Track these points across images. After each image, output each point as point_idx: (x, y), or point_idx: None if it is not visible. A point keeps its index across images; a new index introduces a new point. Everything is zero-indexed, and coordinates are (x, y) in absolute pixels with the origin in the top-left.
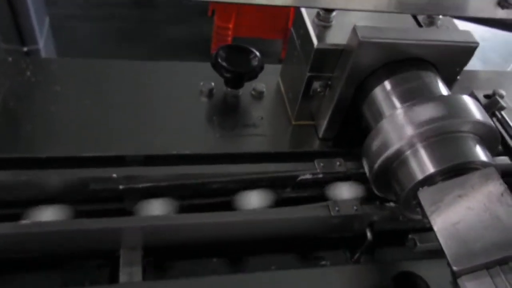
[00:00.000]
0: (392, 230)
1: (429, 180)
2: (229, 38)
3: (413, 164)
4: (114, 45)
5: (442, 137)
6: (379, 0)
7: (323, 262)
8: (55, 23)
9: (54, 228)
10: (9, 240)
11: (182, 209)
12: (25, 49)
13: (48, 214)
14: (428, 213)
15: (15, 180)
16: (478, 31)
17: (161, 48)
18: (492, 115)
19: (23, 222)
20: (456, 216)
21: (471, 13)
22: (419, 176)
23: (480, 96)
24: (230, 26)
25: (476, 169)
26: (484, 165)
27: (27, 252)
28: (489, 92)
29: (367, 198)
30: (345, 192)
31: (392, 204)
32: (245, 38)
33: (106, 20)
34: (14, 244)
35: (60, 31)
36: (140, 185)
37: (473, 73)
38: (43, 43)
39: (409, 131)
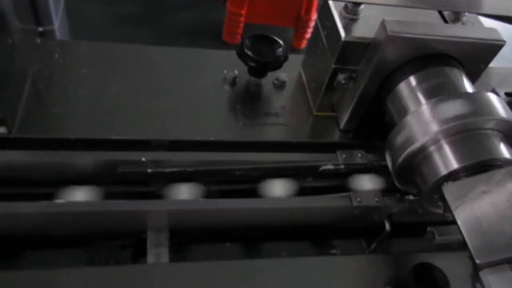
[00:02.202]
0: (409, 222)
1: (452, 176)
2: (241, 25)
3: (438, 160)
4: (126, 29)
5: (467, 133)
6: None
7: (334, 251)
8: (68, 5)
9: (87, 208)
10: (42, 218)
11: (208, 195)
12: (40, 29)
13: (79, 195)
14: (452, 208)
15: (47, 160)
16: (491, 25)
17: (173, 32)
18: None
19: (57, 201)
20: (480, 211)
21: (494, 11)
22: (443, 171)
23: (502, 94)
24: (243, 12)
25: (499, 166)
26: (508, 162)
27: (57, 230)
28: (511, 90)
29: (387, 190)
30: (366, 183)
31: (411, 197)
32: (257, 25)
33: (118, 4)
34: (47, 222)
35: (72, 13)
36: (168, 170)
37: (492, 69)
38: (58, 24)
39: (434, 127)
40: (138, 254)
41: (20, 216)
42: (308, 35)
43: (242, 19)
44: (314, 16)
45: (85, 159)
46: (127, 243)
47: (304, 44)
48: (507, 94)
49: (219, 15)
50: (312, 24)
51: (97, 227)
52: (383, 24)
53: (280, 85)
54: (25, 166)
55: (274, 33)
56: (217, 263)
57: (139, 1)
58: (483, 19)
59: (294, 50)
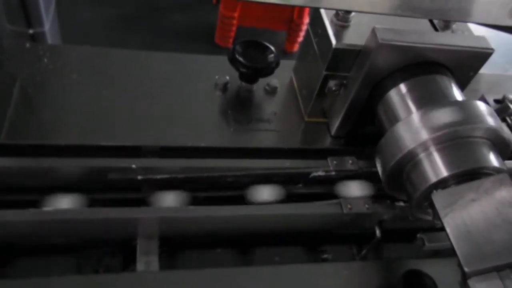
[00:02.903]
0: (400, 228)
1: (442, 183)
2: (234, 28)
3: (427, 167)
4: (118, 31)
5: (456, 141)
6: (392, 3)
7: (325, 256)
8: (59, 6)
9: (76, 216)
10: (30, 226)
11: (196, 201)
12: (30, 31)
13: (66, 202)
14: (441, 215)
15: (35, 167)
16: (480, 31)
17: (165, 34)
18: (502, 120)
19: (45, 209)
20: (469, 219)
21: (483, 20)
22: (433, 179)
23: (490, 101)
24: (235, 15)
25: (489, 174)
26: (496, 170)
27: (45, 238)
28: (499, 97)
29: (376, 196)
30: (355, 190)
31: (402, 203)
32: (250, 28)
33: (110, 6)
34: (35, 230)
35: (63, 15)
36: (158, 176)
37: (481, 76)
38: (49, 26)
39: (423, 135)
40: (128, 261)
41: (7, 224)
42: (300, 39)
43: (234, 22)
44: (306, 19)
45: (74, 166)
46: (116, 250)
47: (296, 47)
48: (496, 101)
49: (212, 17)
50: (304, 27)
51: (86, 235)
52: (373, 32)
53: (271, 91)
54: (13, 172)
55: (266, 36)
56: (208, 271)
57: (131, 3)
58: (472, 26)
59: (287, 53)
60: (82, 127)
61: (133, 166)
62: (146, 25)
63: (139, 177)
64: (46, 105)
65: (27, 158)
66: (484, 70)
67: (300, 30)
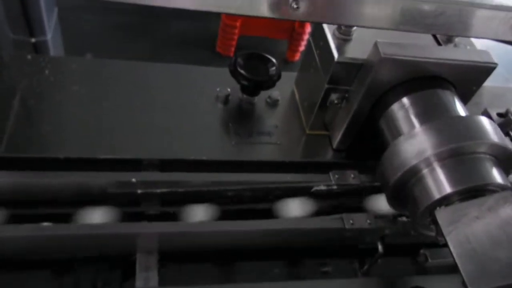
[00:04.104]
0: (403, 243)
1: (445, 200)
2: (235, 37)
3: (430, 184)
4: (119, 39)
5: (460, 157)
6: (394, 19)
7: (326, 269)
8: (62, 15)
9: (74, 232)
10: (27, 242)
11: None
12: (33, 40)
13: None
14: (445, 233)
15: (34, 182)
16: (481, 41)
17: (167, 42)
18: (506, 134)
19: (43, 224)
20: (473, 237)
21: (485, 34)
22: (436, 195)
23: (493, 115)
24: (237, 24)
25: (492, 191)
26: (500, 187)
27: (43, 254)
28: (502, 110)
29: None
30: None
31: (404, 218)
32: (251, 37)
33: (112, 14)
34: (33, 246)
35: (66, 23)
36: (158, 190)
37: (483, 88)
38: (51, 34)
39: (427, 151)
40: (127, 275)
41: (4, 240)
42: (302, 48)
43: (236, 31)
44: (308, 29)
45: (74, 180)
46: (115, 265)
47: (297, 56)
48: (499, 114)
49: (214, 25)
50: (306, 37)
51: (84, 250)
52: (376, 46)
53: (273, 103)
54: (13, 186)
55: (268, 45)
56: (208, 287)
57: (133, 11)
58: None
59: (288, 62)
60: (82, 139)
61: (133, 180)
62: (148, 33)
63: (139, 191)
64: (46, 117)
65: (26, 172)
66: (486, 81)
67: (301, 39)
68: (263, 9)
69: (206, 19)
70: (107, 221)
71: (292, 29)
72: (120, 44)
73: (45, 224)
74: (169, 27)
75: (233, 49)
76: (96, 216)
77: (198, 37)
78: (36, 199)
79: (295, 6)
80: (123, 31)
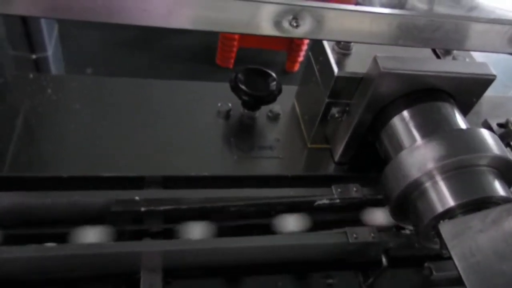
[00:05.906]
0: (407, 256)
1: (448, 213)
2: (235, 49)
3: (434, 197)
4: (120, 53)
5: (462, 171)
6: (392, 34)
7: (330, 281)
8: (62, 31)
9: (78, 251)
10: (31, 262)
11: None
12: (33, 56)
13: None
14: (449, 247)
15: (38, 201)
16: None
17: (167, 56)
18: (506, 145)
19: (47, 244)
20: (478, 250)
21: (483, 48)
22: (440, 209)
23: (494, 125)
24: (236, 37)
25: (495, 203)
26: (503, 199)
27: (47, 273)
28: (502, 120)
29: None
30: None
31: (408, 231)
32: (250, 49)
33: (112, 29)
34: (37, 266)
35: (66, 39)
36: (161, 208)
37: (482, 97)
38: (52, 50)
39: (429, 164)
40: None
41: (8, 260)
42: (301, 58)
43: (235, 43)
44: (306, 40)
45: (78, 199)
46: (119, 284)
47: (297, 67)
48: (499, 125)
49: (213, 38)
50: (304, 47)
51: (89, 269)
52: (375, 60)
53: (274, 118)
54: (16, 206)
55: (267, 56)
56: None
57: (132, 25)
58: None
59: (287, 73)
60: (85, 158)
61: (136, 198)
62: (148, 47)
63: (143, 209)
64: (49, 136)
65: (29, 192)
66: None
67: (300, 50)
68: (263, 28)
69: (205, 32)
70: (110, 240)
71: (290, 41)
72: (120, 58)
73: (49, 244)
74: (168, 41)
75: (232, 61)
76: (99, 235)
77: (197, 50)
78: (40, 219)
79: (294, 24)
80: (123, 46)
